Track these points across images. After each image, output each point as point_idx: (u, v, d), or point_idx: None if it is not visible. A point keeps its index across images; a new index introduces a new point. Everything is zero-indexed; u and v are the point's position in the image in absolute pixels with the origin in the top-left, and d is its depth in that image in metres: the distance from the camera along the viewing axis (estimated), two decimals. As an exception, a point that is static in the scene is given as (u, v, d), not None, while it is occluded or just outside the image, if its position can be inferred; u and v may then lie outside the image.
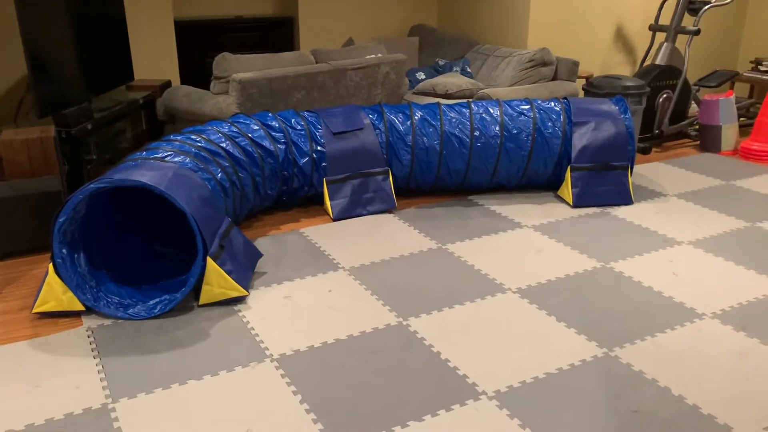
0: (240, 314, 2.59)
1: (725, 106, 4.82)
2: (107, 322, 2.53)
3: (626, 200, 3.77)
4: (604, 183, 3.76)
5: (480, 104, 3.82)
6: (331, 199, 3.56)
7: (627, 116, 3.80)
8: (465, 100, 4.01)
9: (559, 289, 2.79)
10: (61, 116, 3.43)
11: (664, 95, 4.93)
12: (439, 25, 6.09)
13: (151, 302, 2.59)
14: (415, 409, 2.03)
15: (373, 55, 4.58)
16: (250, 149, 3.31)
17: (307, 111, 3.70)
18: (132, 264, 2.83)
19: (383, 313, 2.59)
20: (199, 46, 5.41)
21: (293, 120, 3.58)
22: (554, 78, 4.65)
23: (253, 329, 2.48)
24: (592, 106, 3.85)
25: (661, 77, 4.91)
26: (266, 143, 3.40)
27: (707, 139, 4.92)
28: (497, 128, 3.70)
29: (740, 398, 2.08)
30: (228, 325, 2.51)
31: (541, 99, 3.93)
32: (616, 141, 3.75)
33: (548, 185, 3.96)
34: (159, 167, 2.66)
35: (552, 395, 2.09)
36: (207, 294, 2.61)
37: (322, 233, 3.36)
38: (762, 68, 5.86)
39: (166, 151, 2.88)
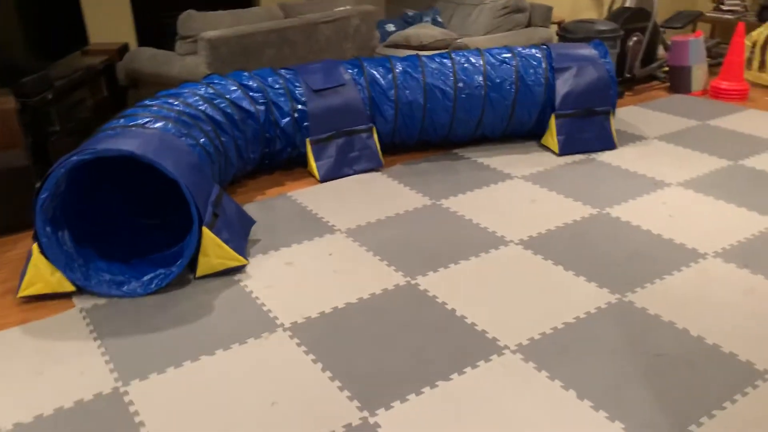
0: (241, 284, 2.48)
1: (695, 46, 4.84)
2: (101, 301, 2.40)
3: (609, 145, 3.77)
4: (588, 129, 3.74)
5: (461, 54, 3.72)
6: (316, 160, 3.44)
7: (607, 60, 3.77)
8: (444, 51, 3.90)
9: (561, 237, 2.77)
10: (20, 86, 3.19)
11: (635, 38, 4.91)
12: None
13: (145, 278, 2.46)
14: (440, 368, 1.99)
15: (341, 8, 4.41)
16: (229, 111, 3.15)
17: (284, 68, 3.54)
18: (119, 238, 2.68)
19: (389, 273, 2.53)
20: (155, 4, 5.11)
21: (270, 78, 3.42)
22: (528, 24, 4.57)
23: (258, 299, 2.38)
24: (573, 51, 3.80)
25: (632, 20, 4.88)
26: (246, 104, 3.24)
27: (677, 81, 4.95)
28: (480, 78, 3.62)
29: (756, 335, 2.11)
30: (231, 296, 2.41)
31: (521, 46, 3.86)
32: (598, 86, 3.72)
33: (531, 134, 3.92)
34: (142, 134, 2.50)
35: (574, 344, 2.08)
36: (204, 265, 2.50)
37: (311, 196, 3.25)
38: (724, 8, 5.91)
39: (145, 117, 2.71)
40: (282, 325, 2.23)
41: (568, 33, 4.56)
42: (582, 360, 2.01)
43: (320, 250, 2.73)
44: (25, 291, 2.38)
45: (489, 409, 1.82)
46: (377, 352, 2.08)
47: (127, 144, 2.37)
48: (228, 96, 3.20)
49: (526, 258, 2.61)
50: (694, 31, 5.95)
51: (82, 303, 2.39)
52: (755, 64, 5.07)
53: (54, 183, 2.29)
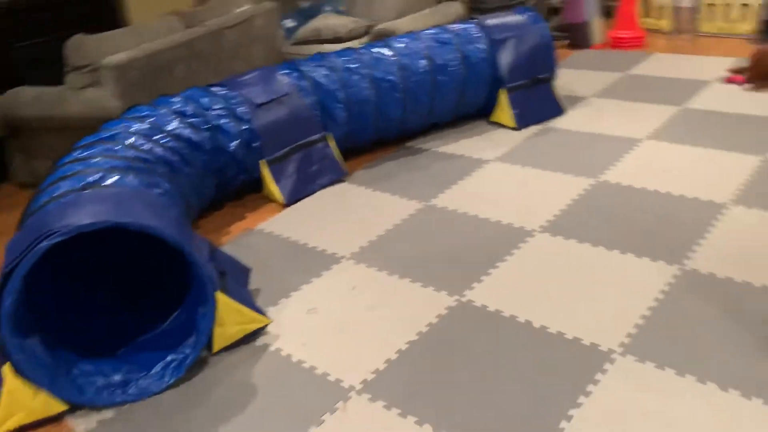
0: (271, 349, 2.07)
1: (589, 1, 4.92)
2: (106, 414, 1.88)
3: (559, 111, 3.69)
4: (537, 98, 3.64)
5: (396, 40, 3.45)
6: (276, 182, 3.02)
7: (543, 24, 3.68)
8: (377, 40, 3.60)
9: (580, 216, 2.62)
10: None
11: None
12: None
13: (154, 370, 1.97)
14: (559, 396, 1.75)
15: (241, 8, 3.94)
16: (175, 146, 2.65)
17: (213, 85, 3.06)
18: (95, 325, 2.14)
19: (432, 296, 2.23)
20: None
21: (204, 100, 2.93)
22: (439, 1, 4.38)
23: (302, 363, 1.99)
24: (506, 20, 3.66)
25: (527, -18, 4.86)
26: (189, 134, 2.75)
27: (577, 37, 5.02)
28: (424, 62, 3.37)
29: (826, 276, 2.09)
30: (268, 367, 2.00)
31: (453, 23, 3.65)
32: (540, 52, 3.62)
33: (479, 113, 3.74)
34: (110, 197, 1.98)
35: (675, 329, 1.93)
36: (221, 337, 2.05)
37: (285, 224, 2.85)
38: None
39: (94, 173, 2.16)
40: (352, 387, 1.87)
41: (481, 4, 4.43)
42: (689, 344, 1.86)
43: (337, 285, 2.36)
44: (3, 426, 1.81)
45: (644, 425, 1.62)
46: (482, 394, 1.79)
47: (102, 213, 1.86)
48: (167, 129, 2.69)
49: (561, 245, 2.43)
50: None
51: (82, 423, 1.86)
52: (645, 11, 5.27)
53: (20, 281, 1.74)
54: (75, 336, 2.03)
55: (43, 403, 1.83)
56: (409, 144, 3.54)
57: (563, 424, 1.65)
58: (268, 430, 1.76)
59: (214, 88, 3.02)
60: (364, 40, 4.18)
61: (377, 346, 2.03)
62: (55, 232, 1.75)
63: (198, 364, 2.03)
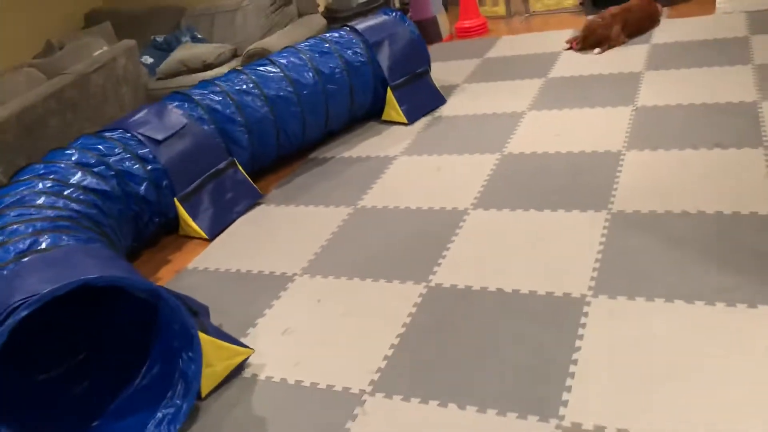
0: (261, 378, 2.00)
1: (435, -3, 5.20)
2: (109, 491, 1.72)
3: (442, 100, 3.89)
4: (420, 92, 3.81)
5: (279, 56, 3.44)
6: (194, 218, 2.90)
7: (409, 23, 3.85)
8: (260, 59, 3.56)
9: (501, 187, 2.79)
10: None
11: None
12: (116, 2, 5.16)
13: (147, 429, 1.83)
14: (559, 345, 1.88)
15: (99, 50, 3.73)
16: (86, 198, 2.46)
17: (106, 131, 2.87)
18: (61, 407, 1.94)
19: (400, 288, 2.27)
20: None
21: (102, 147, 2.75)
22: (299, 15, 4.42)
23: (300, 382, 1.95)
24: (376, 22, 3.79)
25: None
26: (95, 184, 2.56)
27: (429, 32, 5.26)
28: (312, 74, 3.40)
29: (725, 192, 2.42)
30: (267, 396, 1.93)
31: (325, 33, 3.72)
32: (413, 48, 3.79)
33: (368, 116, 3.84)
34: (61, 257, 1.81)
35: (628, 264, 2.13)
36: (210, 378, 1.95)
37: (218, 257, 2.74)
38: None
39: (23, 240, 1.96)
40: (363, 391, 1.86)
41: (335, 14, 4.53)
42: (649, 270, 2.08)
43: (301, 302, 2.33)
44: None
45: (639, 347, 1.78)
46: (488, 361, 1.87)
47: (59, 277, 1.69)
48: (73, 182, 2.49)
49: (496, 216, 2.58)
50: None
51: (85, 508, 1.69)
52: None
53: (-10, 369, 1.54)
54: (37, 412, 1.83)
55: (35, 499, 1.64)
56: (311, 156, 3.55)
57: (571, 367, 1.78)
58: (295, 454, 1.71)
59: (106, 133, 2.84)
60: (234, 63, 4.11)
61: (368, 347, 2.03)
62: (19, 305, 1.57)
63: (190, 413, 1.91)
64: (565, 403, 1.67)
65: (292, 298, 2.37)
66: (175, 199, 2.87)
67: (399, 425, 1.72)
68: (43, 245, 1.94)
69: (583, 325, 1.92)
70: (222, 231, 2.94)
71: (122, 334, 2.14)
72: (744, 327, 1.78)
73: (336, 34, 3.67)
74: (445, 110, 3.78)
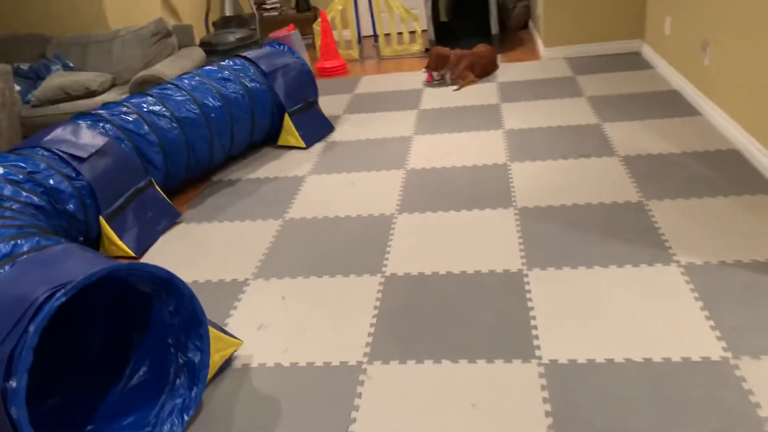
0: (254, 366, 2.10)
1: (297, 38, 5.53)
2: (134, 481, 1.71)
3: (331, 128, 4.19)
4: (313, 119, 4.08)
5: (182, 82, 3.52)
6: (121, 237, 2.85)
7: (297, 56, 4.12)
8: (138, 89, 3.58)
9: (416, 195, 3.15)
10: None
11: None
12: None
13: (161, 424, 1.84)
14: (516, 307, 2.24)
15: (-28, 73, 3.48)
16: (28, 211, 2.36)
17: (23, 148, 2.74)
18: (63, 408, 1.86)
19: (360, 280, 2.50)
20: None
21: (22, 163, 2.63)
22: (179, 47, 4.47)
23: (296, 364, 2.08)
24: (268, 53, 4.01)
25: (239, 25, 5.25)
26: (31, 199, 2.46)
27: (292, 71, 5.57)
28: (218, 98, 3.52)
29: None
30: (267, 380, 2.03)
31: (222, 62, 3.85)
32: (304, 79, 4.06)
33: (263, 142, 4.01)
34: (58, 253, 1.79)
35: (549, 242, 2.58)
36: (210, 367, 2.00)
37: (156, 271, 2.73)
38: (267, 7, 6.73)
39: (6, 244, 1.88)
40: (360, 362, 2.06)
41: (212, 47, 4.65)
42: (569, 246, 2.54)
43: (266, 301, 2.45)
44: None
45: (585, 309, 2.21)
46: (461, 324, 2.17)
47: (78, 266, 1.69)
48: (7, 194, 2.38)
49: (420, 218, 2.92)
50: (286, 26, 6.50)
51: (114, 500, 1.66)
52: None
53: (31, 354, 1.50)
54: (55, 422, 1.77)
55: (66, 495, 1.60)
56: (215, 178, 3.63)
57: (532, 321, 2.15)
58: (316, 429, 1.85)
59: (27, 150, 2.72)
60: (119, 91, 4.05)
61: (350, 329, 2.23)
62: (53, 293, 1.56)
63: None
64: (538, 348, 2.03)
65: (254, 298, 2.47)
66: (100, 217, 2.81)
67: (405, 383, 1.95)
68: (26, 248, 1.88)
69: (529, 291, 2.31)
70: (147, 249, 2.92)
71: (90, 343, 2.10)
72: (649, 279, 2.29)
73: (231, 62, 3.82)
74: (336, 136, 4.08)
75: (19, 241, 1.91)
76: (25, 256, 1.80)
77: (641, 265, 2.38)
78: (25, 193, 2.45)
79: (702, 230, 2.55)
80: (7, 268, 1.75)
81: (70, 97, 3.87)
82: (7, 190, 2.40)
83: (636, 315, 2.11)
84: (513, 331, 2.11)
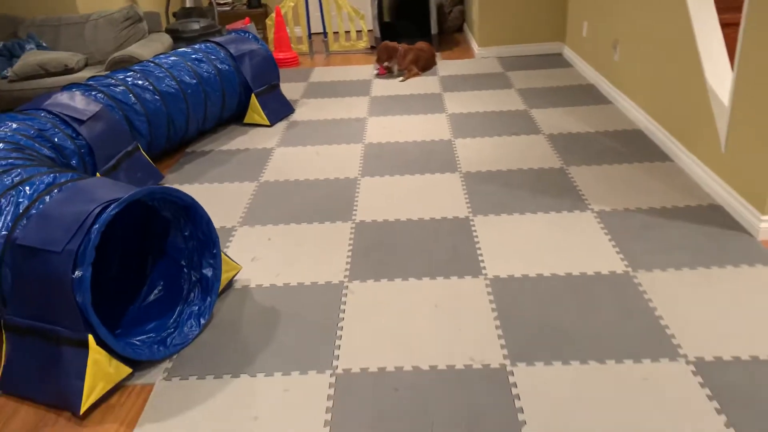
0: (252, 286, 2.52)
1: (252, 30, 5.91)
2: (166, 364, 2.10)
3: (291, 109, 4.62)
4: (276, 100, 4.49)
5: (160, 60, 3.87)
6: (115, 192, 3.19)
7: (261, 42, 4.53)
8: (114, 68, 3.91)
9: (375, 163, 3.62)
10: None
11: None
12: None
13: (182, 323, 2.24)
14: (465, 241, 2.75)
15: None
16: (45, 158, 2.69)
17: (28, 110, 3.04)
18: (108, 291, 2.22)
19: (334, 226, 2.95)
20: None
21: (29, 122, 2.94)
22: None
23: (288, 284, 2.52)
24: (235, 38, 4.39)
25: (199, 16, 5.59)
26: (44, 150, 2.78)
27: (248, 61, 5.95)
28: (192, 77, 3.89)
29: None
30: (266, 297, 2.46)
31: (195, 44, 4.22)
32: (268, 63, 4.47)
33: (230, 120, 4.39)
34: (97, 182, 2.16)
35: (494, 202, 3.12)
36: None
37: (149, 221, 3.09)
38: (220, 2, 7.06)
39: (40, 176, 2.23)
40: (342, 282, 2.51)
41: (179, 33, 4.98)
42: (514, 204, 3.08)
43: (253, 243, 2.86)
44: (89, 400, 1.89)
45: (523, 247, 2.75)
46: (423, 253, 2.66)
47: (115, 190, 2.08)
48: (27, 145, 2.70)
49: (380, 181, 3.40)
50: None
51: (153, 377, 2.05)
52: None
53: (94, 252, 1.88)
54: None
55: (115, 368, 1.98)
56: (190, 149, 3.99)
57: (478, 251, 2.66)
58: (309, 331, 2.29)
59: (32, 110, 3.03)
60: (94, 70, 4.34)
61: (330, 260, 2.68)
62: (106, 207, 1.95)
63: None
64: (484, 268, 2.55)
65: (243, 241, 2.88)
66: (97, 173, 3.14)
67: (380, 294, 2.42)
68: (64, 179, 2.24)
69: (475, 231, 2.83)
70: (138, 204, 3.27)
71: (110, 266, 2.46)
72: (569, 221, 2.86)
73: (203, 46, 4.20)
74: (296, 117, 4.52)
75: (57, 174, 2.26)
76: (69, 184, 2.16)
77: (563, 211, 2.95)
78: (38, 146, 2.77)
79: (610, 187, 3.15)
80: (56, 191, 2.11)
81: (48, 74, 4.13)
82: (24, 142, 2.72)
83: (559, 245, 2.67)
84: (464, 258, 2.62)
